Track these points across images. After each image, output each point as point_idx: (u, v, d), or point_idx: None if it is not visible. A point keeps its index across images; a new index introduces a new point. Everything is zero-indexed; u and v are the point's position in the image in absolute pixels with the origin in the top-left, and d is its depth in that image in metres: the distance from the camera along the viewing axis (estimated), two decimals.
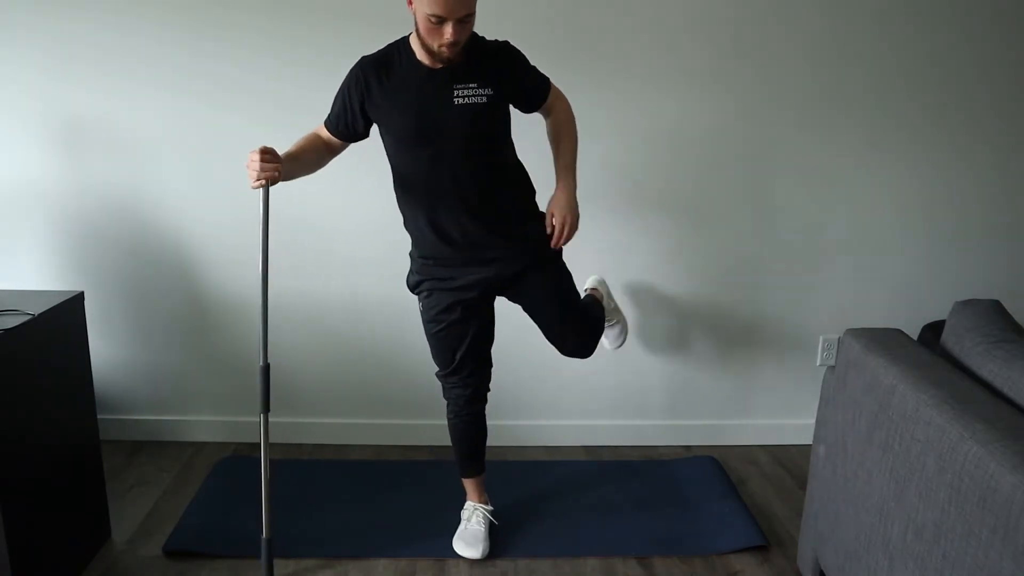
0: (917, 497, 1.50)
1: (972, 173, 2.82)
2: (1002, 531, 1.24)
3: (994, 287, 2.67)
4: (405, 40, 2.02)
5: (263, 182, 1.89)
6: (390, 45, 2.04)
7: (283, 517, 2.27)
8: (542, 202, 2.20)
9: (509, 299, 2.24)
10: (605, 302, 2.56)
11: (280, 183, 1.94)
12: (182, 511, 2.44)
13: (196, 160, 2.67)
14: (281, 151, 1.95)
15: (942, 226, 2.86)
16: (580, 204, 2.14)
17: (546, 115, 2.17)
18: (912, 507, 1.52)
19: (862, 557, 1.72)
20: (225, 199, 2.69)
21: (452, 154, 2.01)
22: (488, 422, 2.34)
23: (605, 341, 2.56)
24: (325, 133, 2.12)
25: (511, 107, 2.10)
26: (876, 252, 2.87)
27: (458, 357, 2.20)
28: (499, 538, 2.33)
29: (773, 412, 2.98)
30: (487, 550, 2.27)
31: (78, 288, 2.27)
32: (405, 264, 2.23)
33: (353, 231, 2.73)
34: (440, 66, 1.96)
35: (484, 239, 2.09)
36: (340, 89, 2.06)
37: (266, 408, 2.03)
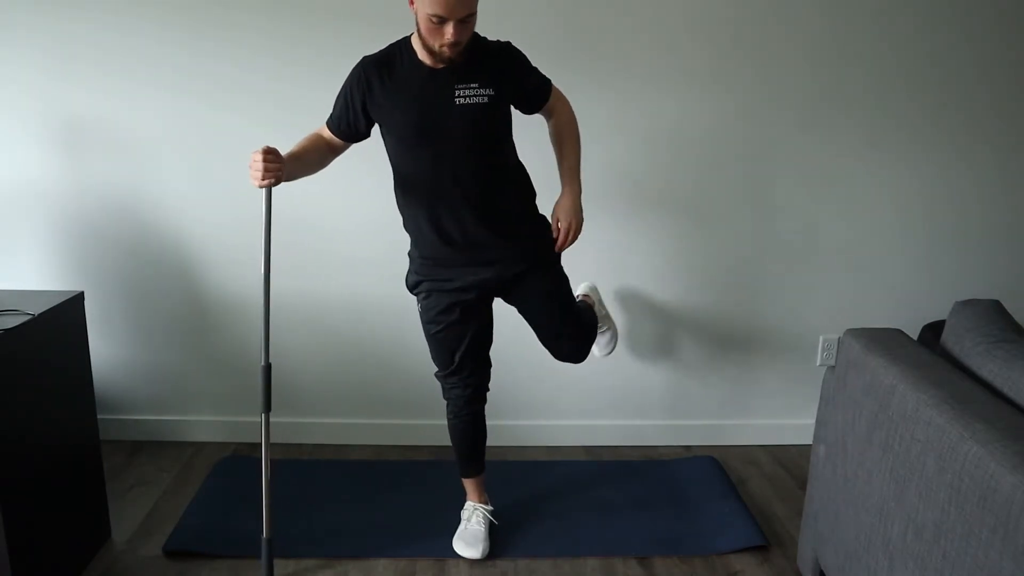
0: (917, 497, 1.50)
1: (972, 173, 2.82)
2: (1002, 531, 1.24)
3: (994, 287, 2.67)
4: (407, 40, 2.02)
5: (267, 183, 1.90)
6: (392, 45, 2.04)
7: (283, 517, 2.27)
8: (545, 205, 2.20)
9: (506, 301, 2.24)
10: (597, 308, 2.57)
11: (282, 183, 1.94)
12: (182, 511, 2.44)
13: (196, 160, 2.67)
14: (282, 151, 1.95)
15: (942, 226, 2.86)
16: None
17: (548, 117, 2.17)
18: (912, 507, 1.52)
19: (862, 557, 1.73)
20: (225, 199, 2.69)
21: (453, 154, 2.02)
22: (488, 422, 2.34)
23: (595, 348, 2.55)
24: (327, 133, 2.12)
25: (512, 108, 2.11)
26: (876, 252, 2.87)
27: (457, 358, 2.20)
28: (499, 538, 2.33)
29: (773, 412, 2.98)
30: (487, 550, 2.27)
31: (78, 288, 2.27)
32: (405, 264, 2.23)
33: (353, 231, 2.73)
34: (442, 66, 1.96)
35: (485, 239, 2.09)
36: (342, 89, 2.06)
37: (267, 408, 2.03)
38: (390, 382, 2.87)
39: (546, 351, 2.33)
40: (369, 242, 2.71)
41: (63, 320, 2.08)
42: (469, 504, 2.38)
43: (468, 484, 2.39)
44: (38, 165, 2.66)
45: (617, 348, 2.74)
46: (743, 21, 2.64)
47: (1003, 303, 1.81)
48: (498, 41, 2.05)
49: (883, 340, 1.85)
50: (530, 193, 2.20)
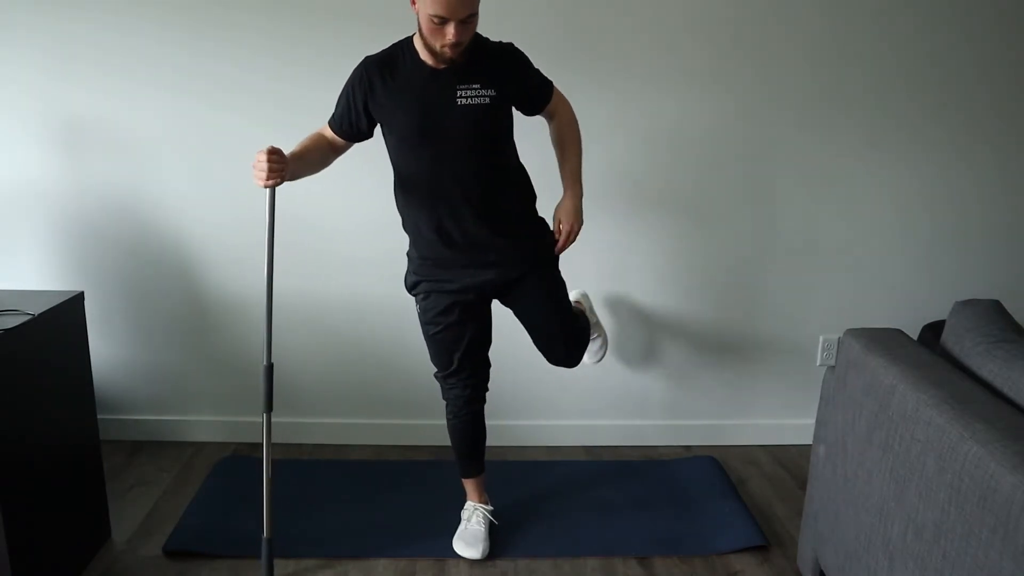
0: (917, 497, 1.50)
1: (972, 173, 2.82)
2: (1002, 531, 1.24)
3: (994, 287, 2.67)
4: (409, 40, 2.02)
5: (272, 183, 1.90)
6: (394, 45, 2.04)
7: (283, 517, 2.26)
8: (546, 207, 2.20)
9: (503, 303, 2.24)
10: (588, 315, 2.56)
11: (285, 183, 1.94)
12: (182, 511, 2.44)
13: (196, 160, 2.67)
14: (283, 151, 1.95)
15: (942, 226, 2.86)
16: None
17: (549, 119, 2.18)
18: (912, 507, 1.52)
19: (862, 557, 1.73)
20: (225, 199, 2.69)
21: (454, 154, 2.02)
22: (488, 422, 2.34)
23: (585, 355, 2.54)
24: (329, 133, 2.12)
25: (514, 110, 2.11)
26: (876, 252, 2.87)
27: (456, 358, 2.20)
28: (499, 538, 2.33)
29: (773, 412, 2.98)
30: (487, 550, 2.27)
31: (78, 288, 2.27)
32: (405, 264, 2.23)
33: (353, 231, 2.73)
34: (443, 66, 1.96)
35: (485, 240, 2.09)
36: (344, 88, 2.06)
37: (269, 407, 2.03)
38: (390, 382, 2.87)
39: None
40: (369, 242, 2.71)
41: (63, 320, 2.08)
42: (469, 504, 2.38)
43: (468, 484, 2.39)
44: (38, 165, 2.66)
45: (617, 348, 2.74)
46: (743, 21, 2.64)
47: (1003, 303, 1.81)
48: (500, 42, 2.06)
49: (883, 340, 1.85)
50: (531, 195, 2.20)
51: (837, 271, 2.87)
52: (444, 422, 2.32)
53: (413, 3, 1.88)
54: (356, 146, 2.16)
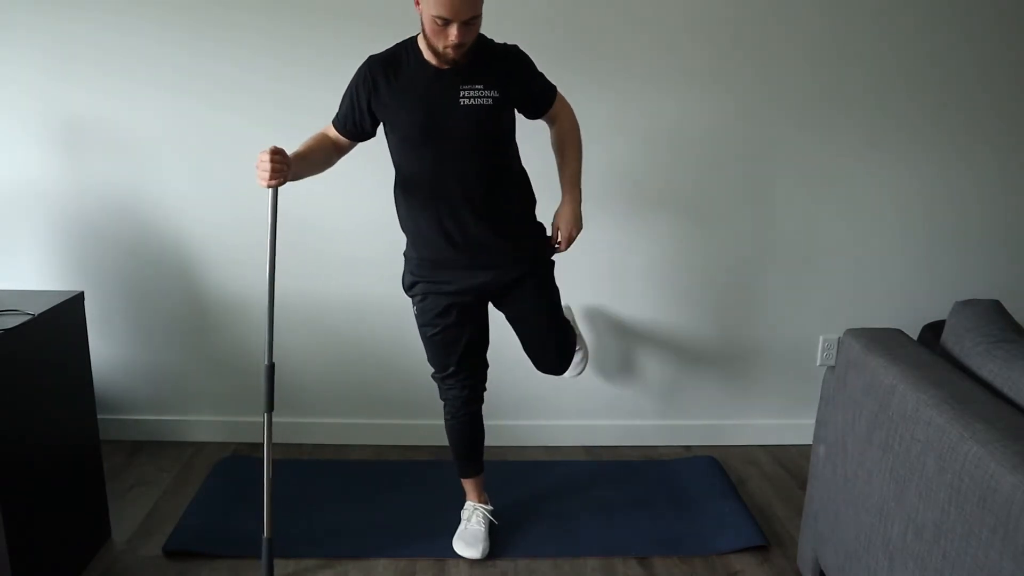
0: (917, 497, 1.50)
1: (972, 173, 2.82)
2: (1002, 531, 1.24)
3: (994, 287, 2.67)
4: (413, 40, 2.02)
5: (274, 183, 1.90)
6: (398, 45, 2.05)
7: (283, 517, 2.27)
8: (545, 210, 2.20)
9: (497, 307, 2.24)
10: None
11: (287, 183, 1.94)
12: (182, 511, 2.44)
13: (196, 160, 2.67)
14: (286, 151, 1.95)
15: (942, 226, 2.86)
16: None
17: (550, 123, 2.18)
18: (912, 507, 1.52)
19: (862, 557, 1.73)
20: (225, 199, 2.69)
21: (457, 154, 2.02)
22: (487, 422, 2.34)
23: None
24: (333, 132, 2.12)
25: (517, 113, 2.11)
26: (876, 252, 2.87)
27: (454, 360, 2.20)
28: (499, 538, 2.33)
29: (773, 412, 2.98)
30: (487, 550, 2.27)
31: (78, 288, 2.27)
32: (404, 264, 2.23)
33: (353, 231, 2.73)
34: (447, 67, 1.96)
35: (485, 240, 2.09)
36: (348, 88, 2.06)
37: (270, 407, 2.03)
38: (390, 382, 2.87)
39: None
40: (369, 242, 2.71)
41: (63, 320, 2.08)
42: (469, 504, 2.38)
43: (467, 484, 2.39)
44: (38, 165, 2.66)
45: (617, 348, 2.74)
46: (743, 21, 2.64)
47: (1003, 303, 1.81)
48: (505, 44, 2.06)
49: (883, 340, 1.85)
50: (531, 199, 2.20)
51: (837, 271, 2.87)
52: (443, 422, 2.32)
53: (417, 3, 1.89)
54: (357, 146, 2.15)
